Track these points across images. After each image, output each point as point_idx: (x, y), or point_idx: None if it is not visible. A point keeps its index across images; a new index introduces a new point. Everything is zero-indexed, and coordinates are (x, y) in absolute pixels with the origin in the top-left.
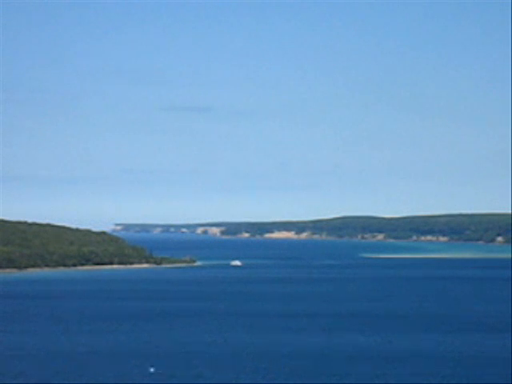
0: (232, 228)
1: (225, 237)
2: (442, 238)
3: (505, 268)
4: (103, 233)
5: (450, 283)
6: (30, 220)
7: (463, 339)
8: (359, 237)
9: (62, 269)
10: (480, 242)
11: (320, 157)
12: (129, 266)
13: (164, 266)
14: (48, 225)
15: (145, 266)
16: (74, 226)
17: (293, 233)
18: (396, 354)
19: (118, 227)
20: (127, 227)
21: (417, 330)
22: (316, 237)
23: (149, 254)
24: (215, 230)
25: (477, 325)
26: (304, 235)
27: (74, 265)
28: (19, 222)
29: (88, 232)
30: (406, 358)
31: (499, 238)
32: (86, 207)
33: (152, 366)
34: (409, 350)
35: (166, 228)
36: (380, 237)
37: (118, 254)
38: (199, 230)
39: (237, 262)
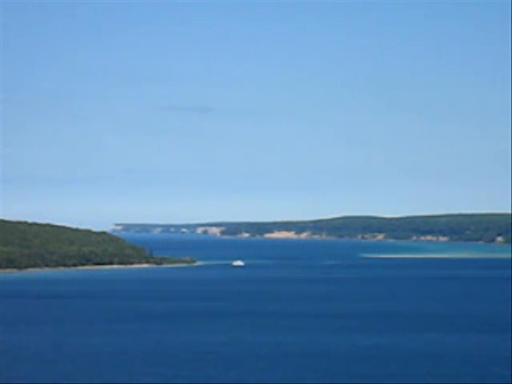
0: (232, 228)
1: (225, 237)
2: (442, 238)
3: (505, 268)
4: (103, 233)
5: (449, 283)
6: (29, 220)
7: (463, 339)
8: (359, 237)
9: (62, 269)
10: (480, 242)
11: (320, 157)
12: (129, 266)
13: (164, 266)
14: (48, 225)
15: (145, 266)
16: (74, 226)
17: (293, 233)
18: (396, 353)
19: (118, 227)
20: (127, 227)
21: (417, 329)
22: (316, 237)
23: (149, 254)
24: (215, 230)
25: (477, 325)
26: (304, 235)
27: (74, 265)
28: (19, 222)
29: (88, 232)
30: (405, 357)
31: (499, 238)
32: (86, 207)
33: None
34: (408, 350)
35: (166, 228)
36: (380, 237)
37: (118, 253)
38: (199, 230)
39: (239, 262)
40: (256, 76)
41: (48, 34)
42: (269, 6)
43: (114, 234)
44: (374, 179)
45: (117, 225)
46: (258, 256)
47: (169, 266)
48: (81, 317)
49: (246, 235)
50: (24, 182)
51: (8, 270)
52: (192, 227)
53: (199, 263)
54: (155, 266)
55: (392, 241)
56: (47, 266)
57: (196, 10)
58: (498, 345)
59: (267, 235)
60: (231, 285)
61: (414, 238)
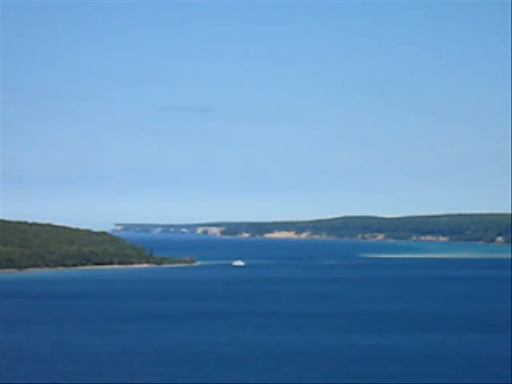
0: (232, 228)
1: (225, 237)
2: (442, 238)
3: (505, 268)
4: (103, 233)
5: (449, 283)
6: (29, 220)
7: (463, 339)
8: (359, 237)
9: (62, 269)
10: (480, 242)
11: (320, 157)
12: (129, 266)
13: (164, 266)
14: (48, 225)
15: (145, 266)
16: (74, 226)
17: (293, 233)
18: (396, 353)
19: (118, 227)
20: (127, 227)
21: (417, 329)
22: (316, 237)
23: (149, 254)
24: (215, 230)
25: (477, 325)
26: (304, 235)
27: (75, 265)
28: (19, 222)
29: (88, 232)
30: (405, 357)
31: (499, 238)
32: (86, 207)
33: None
34: (408, 350)
35: (166, 228)
36: (380, 237)
37: (118, 254)
38: (199, 230)
39: (239, 262)
40: (256, 76)
41: (48, 34)
42: (269, 6)
43: (114, 234)
44: (374, 179)
45: (117, 225)
46: (258, 256)
47: (169, 266)
48: (81, 317)
49: (246, 235)
50: (24, 182)
51: (8, 270)
52: (192, 227)
53: (199, 263)
54: (155, 266)
55: (392, 241)
56: (47, 265)
57: (196, 10)
58: (498, 345)
59: (267, 235)
60: (231, 285)
61: (414, 238)
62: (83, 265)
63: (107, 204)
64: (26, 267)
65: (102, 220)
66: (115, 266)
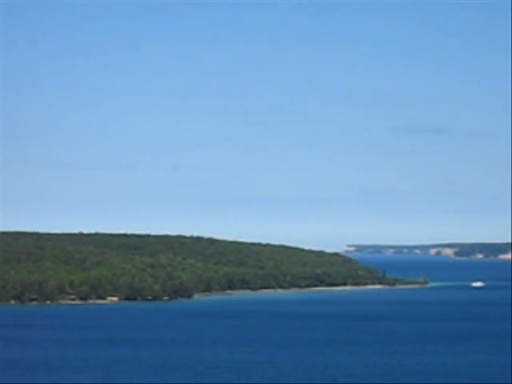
0: (465, 249)
1: (458, 258)
2: None
3: None
4: (336, 254)
5: None
6: (263, 241)
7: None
8: None
9: (295, 290)
10: None
11: None
12: (362, 287)
13: (397, 287)
14: (281, 246)
15: (378, 287)
16: (306, 247)
17: None
18: None
19: (351, 248)
20: (359, 248)
21: None
22: None
23: (382, 275)
24: (448, 251)
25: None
26: None
27: (308, 286)
28: (253, 244)
29: (321, 253)
30: None
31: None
32: (319, 228)
33: None
34: None
35: (399, 249)
36: None
37: (350, 275)
38: (432, 251)
39: (478, 284)
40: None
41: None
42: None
43: (347, 255)
44: None
45: (349, 246)
46: (496, 277)
47: (402, 287)
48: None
49: (480, 256)
50: (258, 203)
51: (242, 291)
52: (425, 248)
53: (432, 284)
54: (388, 287)
55: None
56: (281, 287)
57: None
58: None
59: (501, 256)
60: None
61: None
62: (316, 286)
63: (340, 225)
64: (260, 288)
65: (335, 241)
66: (348, 287)
